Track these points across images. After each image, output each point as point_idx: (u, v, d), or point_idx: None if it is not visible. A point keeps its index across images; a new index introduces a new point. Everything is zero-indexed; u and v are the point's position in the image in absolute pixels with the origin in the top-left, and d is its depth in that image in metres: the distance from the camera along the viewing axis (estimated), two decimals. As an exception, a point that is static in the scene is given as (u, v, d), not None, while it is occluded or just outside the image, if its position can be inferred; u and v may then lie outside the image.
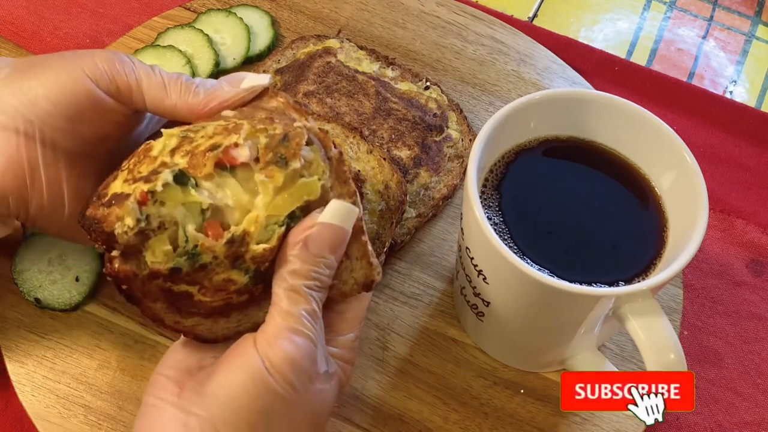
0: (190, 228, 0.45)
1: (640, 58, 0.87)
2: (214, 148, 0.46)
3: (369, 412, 0.60)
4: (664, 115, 0.57)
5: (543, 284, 0.49)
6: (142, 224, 0.45)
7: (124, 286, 0.47)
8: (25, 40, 0.76)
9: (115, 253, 0.46)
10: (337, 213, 0.46)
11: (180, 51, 0.72)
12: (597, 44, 0.87)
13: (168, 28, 0.75)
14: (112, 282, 0.47)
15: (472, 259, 0.53)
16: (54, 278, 0.62)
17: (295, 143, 0.46)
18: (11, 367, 0.59)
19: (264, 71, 0.73)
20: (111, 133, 0.55)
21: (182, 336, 0.49)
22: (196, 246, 0.45)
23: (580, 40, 0.84)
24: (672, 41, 0.89)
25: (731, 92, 0.85)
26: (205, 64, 0.73)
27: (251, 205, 0.46)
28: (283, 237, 0.46)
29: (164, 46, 0.73)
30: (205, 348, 0.48)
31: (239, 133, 0.46)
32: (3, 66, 0.52)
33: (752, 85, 0.86)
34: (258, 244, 0.46)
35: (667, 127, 0.54)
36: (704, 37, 0.89)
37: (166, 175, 0.45)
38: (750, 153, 0.77)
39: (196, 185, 0.46)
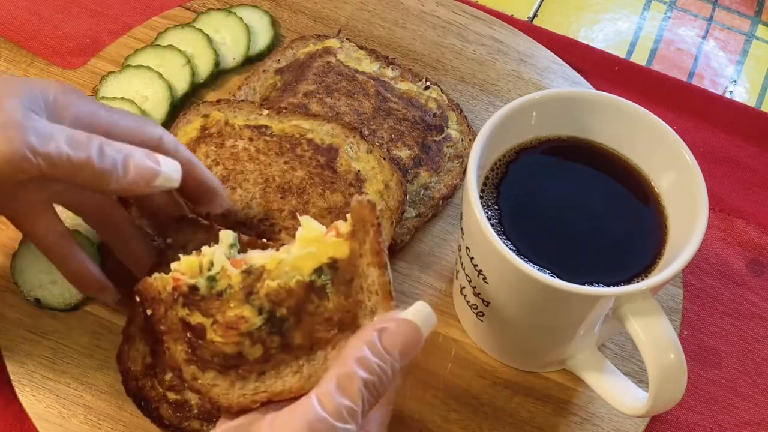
0: (219, 253, 0.48)
1: (640, 58, 0.87)
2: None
3: (369, 412, 0.60)
4: (664, 115, 0.57)
5: (543, 284, 0.49)
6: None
7: (149, 311, 0.49)
8: (25, 40, 0.76)
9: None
10: (419, 313, 0.45)
11: (180, 51, 0.72)
12: (597, 44, 0.87)
13: (168, 28, 0.75)
14: (139, 303, 0.50)
15: (472, 259, 0.53)
16: (54, 278, 0.61)
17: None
18: (11, 367, 0.59)
19: (264, 71, 0.73)
20: None
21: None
22: (218, 272, 0.48)
23: (580, 40, 0.84)
24: (672, 41, 0.89)
25: (731, 92, 0.85)
26: (205, 63, 0.73)
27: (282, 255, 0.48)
28: (308, 288, 0.47)
29: (164, 46, 0.73)
30: None
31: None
32: None
33: (752, 85, 0.86)
34: (273, 280, 0.47)
35: (667, 127, 0.54)
36: (704, 37, 0.89)
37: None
38: (750, 153, 0.76)
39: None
